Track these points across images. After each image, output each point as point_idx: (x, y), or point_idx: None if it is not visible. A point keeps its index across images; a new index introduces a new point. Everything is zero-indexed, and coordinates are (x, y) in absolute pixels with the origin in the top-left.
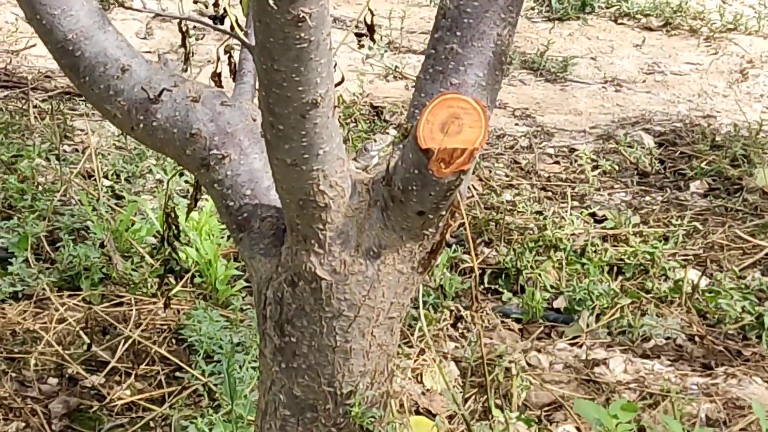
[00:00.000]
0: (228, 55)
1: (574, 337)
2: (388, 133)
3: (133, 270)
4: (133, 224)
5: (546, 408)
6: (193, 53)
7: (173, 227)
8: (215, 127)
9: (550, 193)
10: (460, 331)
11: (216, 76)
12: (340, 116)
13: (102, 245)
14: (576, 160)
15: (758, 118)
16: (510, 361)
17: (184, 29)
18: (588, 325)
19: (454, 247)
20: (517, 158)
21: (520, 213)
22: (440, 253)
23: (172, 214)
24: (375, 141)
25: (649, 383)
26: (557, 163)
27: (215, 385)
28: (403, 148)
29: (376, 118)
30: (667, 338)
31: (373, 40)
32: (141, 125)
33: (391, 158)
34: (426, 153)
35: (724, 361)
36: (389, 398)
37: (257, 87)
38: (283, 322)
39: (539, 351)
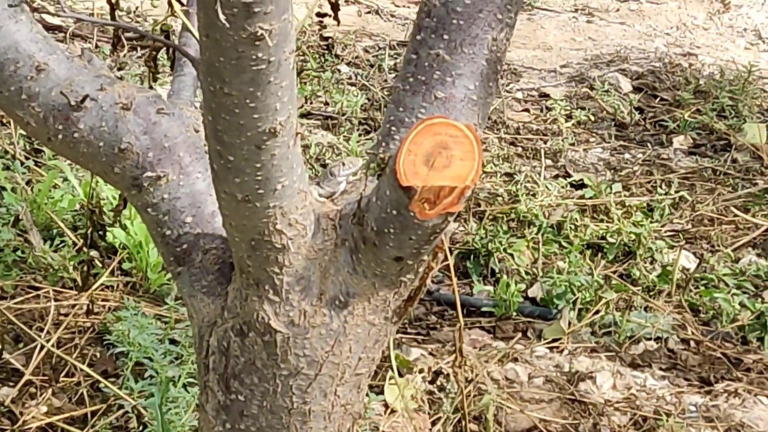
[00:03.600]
0: (166, 34)
1: (554, 339)
2: (339, 70)
3: (53, 252)
4: (55, 187)
5: None
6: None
7: (98, 226)
8: (150, 141)
9: (520, 149)
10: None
11: (151, 61)
12: None
13: (17, 220)
14: (548, 109)
15: (744, 59)
16: (476, 375)
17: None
18: (570, 324)
19: None
20: None
21: (489, 175)
22: (418, 299)
23: (97, 211)
24: (343, 164)
25: (642, 403)
26: (527, 110)
27: (145, 408)
28: (379, 181)
29: (326, 52)
30: (658, 338)
31: (338, 21)
32: (60, 136)
33: (363, 190)
34: (407, 191)
35: (723, 373)
36: None
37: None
38: (228, 377)
39: (516, 360)
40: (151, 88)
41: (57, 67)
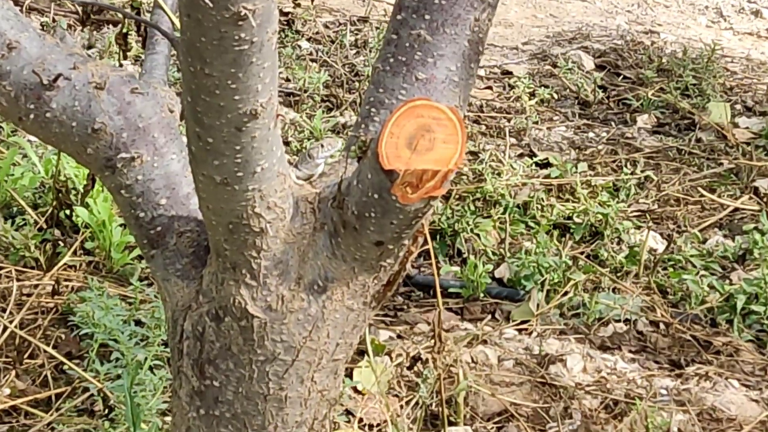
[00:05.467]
0: (137, 11)
1: (523, 321)
2: (299, 46)
3: (14, 231)
4: (15, 165)
5: (496, 418)
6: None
7: (65, 204)
8: (123, 121)
9: (483, 127)
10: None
11: (121, 38)
12: None
13: None
14: (511, 87)
15: (705, 37)
16: (455, 360)
17: None
18: (538, 305)
19: None
20: None
21: None
22: (397, 284)
23: (64, 190)
24: (322, 146)
25: (613, 386)
26: (489, 88)
27: (111, 391)
28: (360, 164)
29: (287, 28)
30: (626, 320)
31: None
32: (31, 116)
33: (343, 173)
34: (389, 175)
35: (693, 355)
36: None
37: (173, 56)
38: (203, 362)
39: (485, 342)
40: (120, 66)
41: (29, 45)
